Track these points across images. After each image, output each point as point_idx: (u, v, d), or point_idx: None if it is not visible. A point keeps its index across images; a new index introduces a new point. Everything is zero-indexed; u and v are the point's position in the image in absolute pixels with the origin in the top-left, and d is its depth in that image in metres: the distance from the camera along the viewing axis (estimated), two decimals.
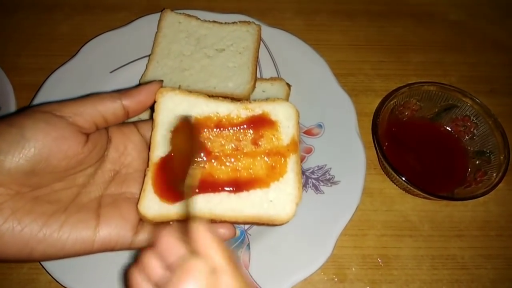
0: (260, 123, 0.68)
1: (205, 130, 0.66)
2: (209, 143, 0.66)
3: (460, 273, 0.88)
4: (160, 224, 0.66)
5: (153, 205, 0.64)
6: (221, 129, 0.67)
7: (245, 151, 0.66)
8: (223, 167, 0.65)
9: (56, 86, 0.96)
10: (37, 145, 0.57)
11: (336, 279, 0.86)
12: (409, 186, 0.84)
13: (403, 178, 0.84)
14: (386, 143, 0.92)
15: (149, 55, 1.00)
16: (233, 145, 0.66)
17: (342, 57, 1.12)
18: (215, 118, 0.67)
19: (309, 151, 0.94)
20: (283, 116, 0.68)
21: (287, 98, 0.98)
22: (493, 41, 1.18)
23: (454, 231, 0.92)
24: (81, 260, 0.65)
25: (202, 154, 0.65)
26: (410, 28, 1.19)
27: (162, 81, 0.69)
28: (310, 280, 0.82)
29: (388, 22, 1.20)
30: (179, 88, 0.94)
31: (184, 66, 0.98)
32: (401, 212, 0.93)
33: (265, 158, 0.66)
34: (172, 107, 0.67)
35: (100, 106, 0.63)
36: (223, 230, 0.67)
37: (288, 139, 0.67)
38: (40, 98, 0.94)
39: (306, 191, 0.89)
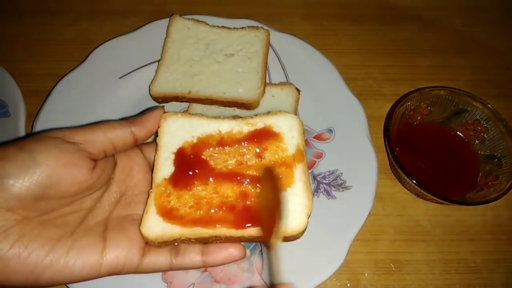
0: (263, 136, 0.68)
1: (208, 148, 0.67)
2: (212, 161, 0.66)
3: (473, 277, 0.88)
4: (163, 245, 0.66)
5: (156, 226, 0.64)
6: (224, 146, 0.67)
7: (249, 164, 0.66)
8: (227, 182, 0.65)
9: (65, 92, 0.96)
10: (48, 170, 0.56)
11: (349, 285, 0.86)
12: (421, 190, 0.84)
13: (415, 182, 0.84)
14: (397, 148, 0.92)
15: (159, 61, 1.00)
16: (236, 160, 0.66)
17: (350, 62, 1.12)
18: (217, 135, 0.68)
19: (319, 156, 0.94)
20: (286, 127, 0.68)
21: (296, 103, 0.98)
22: (499, 44, 1.18)
23: (466, 235, 0.92)
24: None
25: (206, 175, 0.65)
26: (417, 32, 1.19)
27: (163, 106, 0.72)
28: (324, 286, 0.82)
29: (395, 26, 1.20)
30: (189, 93, 0.95)
31: (194, 72, 0.98)
32: (413, 217, 0.93)
33: None
34: (175, 130, 0.68)
35: (110, 134, 0.64)
36: (233, 250, 0.67)
37: (293, 149, 0.67)
38: (49, 104, 0.94)
39: (318, 197, 0.89)
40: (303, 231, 0.65)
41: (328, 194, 0.89)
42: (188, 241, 0.66)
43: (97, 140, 0.62)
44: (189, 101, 0.97)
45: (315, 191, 0.89)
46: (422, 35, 1.19)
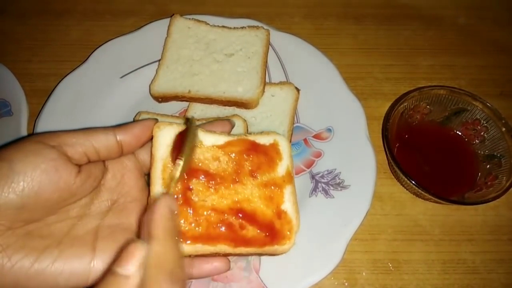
0: (260, 152, 0.68)
1: (202, 163, 0.65)
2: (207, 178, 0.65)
3: (472, 278, 0.87)
4: None
5: None
6: (219, 161, 0.66)
7: (244, 183, 0.65)
8: (224, 200, 0.64)
9: (67, 92, 0.97)
10: (27, 179, 0.55)
11: (346, 284, 0.86)
12: (419, 190, 0.84)
13: (414, 182, 0.84)
14: (396, 147, 0.92)
15: (159, 60, 1.01)
16: (231, 178, 0.65)
17: (351, 61, 1.12)
18: (213, 150, 0.66)
19: (318, 155, 0.94)
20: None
21: (296, 102, 0.98)
22: (502, 44, 1.17)
23: (465, 235, 0.91)
24: None
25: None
26: (419, 32, 1.19)
27: (157, 120, 0.68)
28: (321, 285, 0.82)
29: (397, 25, 1.20)
30: (189, 92, 0.96)
31: (194, 71, 0.99)
32: (412, 217, 0.93)
33: (262, 189, 0.66)
34: (170, 141, 0.65)
35: (93, 138, 0.62)
36: (218, 264, 0.66)
37: (283, 170, 0.68)
38: (51, 104, 0.95)
39: (316, 196, 0.89)
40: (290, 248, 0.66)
41: (326, 193, 0.89)
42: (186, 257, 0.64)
43: (77, 143, 0.60)
44: (189, 100, 0.98)
45: (313, 190, 0.90)
46: (424, 34, 1.19)
